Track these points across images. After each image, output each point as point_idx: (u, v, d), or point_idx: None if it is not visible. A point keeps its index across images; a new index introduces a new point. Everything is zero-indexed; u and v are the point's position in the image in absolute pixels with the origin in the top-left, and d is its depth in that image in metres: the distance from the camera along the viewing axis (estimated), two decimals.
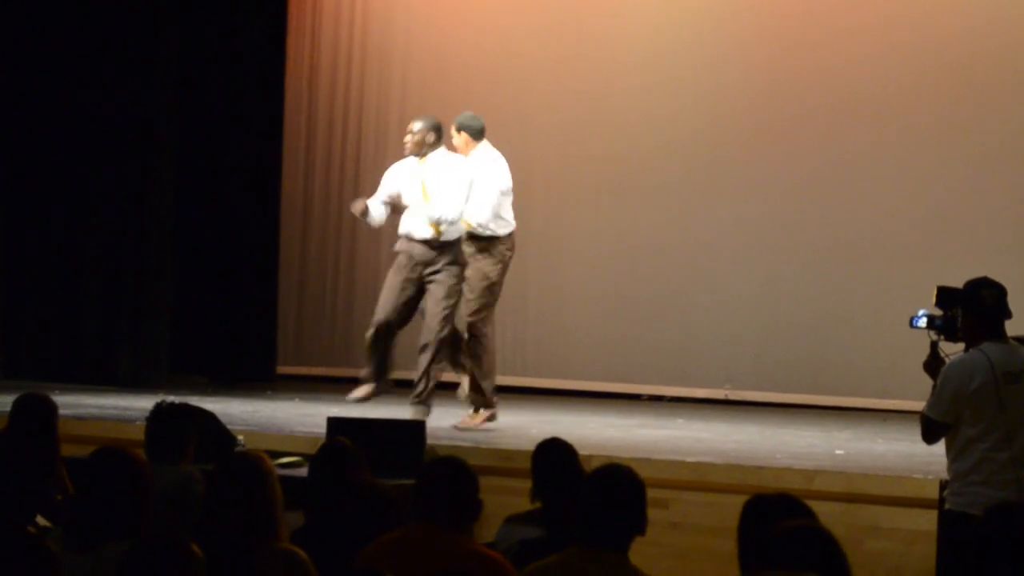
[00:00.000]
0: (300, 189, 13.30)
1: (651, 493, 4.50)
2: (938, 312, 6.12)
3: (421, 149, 9.10)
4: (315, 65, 13.26)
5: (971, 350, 5.90)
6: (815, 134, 11.66)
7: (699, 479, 7.73)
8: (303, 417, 9.73)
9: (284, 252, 13.18)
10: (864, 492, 7.41)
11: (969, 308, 5.93)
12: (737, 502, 4.38)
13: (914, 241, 11.27)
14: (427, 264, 9.09)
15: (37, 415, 6.59)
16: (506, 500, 6.44)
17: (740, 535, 4.12)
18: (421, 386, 9.13)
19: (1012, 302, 6.01)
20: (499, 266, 9.33)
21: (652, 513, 4.41)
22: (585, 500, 4.27)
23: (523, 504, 5.89)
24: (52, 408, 6.64)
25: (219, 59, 12.78)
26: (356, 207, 9.28)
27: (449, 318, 9.15)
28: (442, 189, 9.04)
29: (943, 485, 6.24)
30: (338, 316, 13.15)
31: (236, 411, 9.68)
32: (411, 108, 12.87)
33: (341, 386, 12.25)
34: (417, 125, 9.14)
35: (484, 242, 9.26)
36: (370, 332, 9.22)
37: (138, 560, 3.59)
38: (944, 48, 11.33)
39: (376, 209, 9.27)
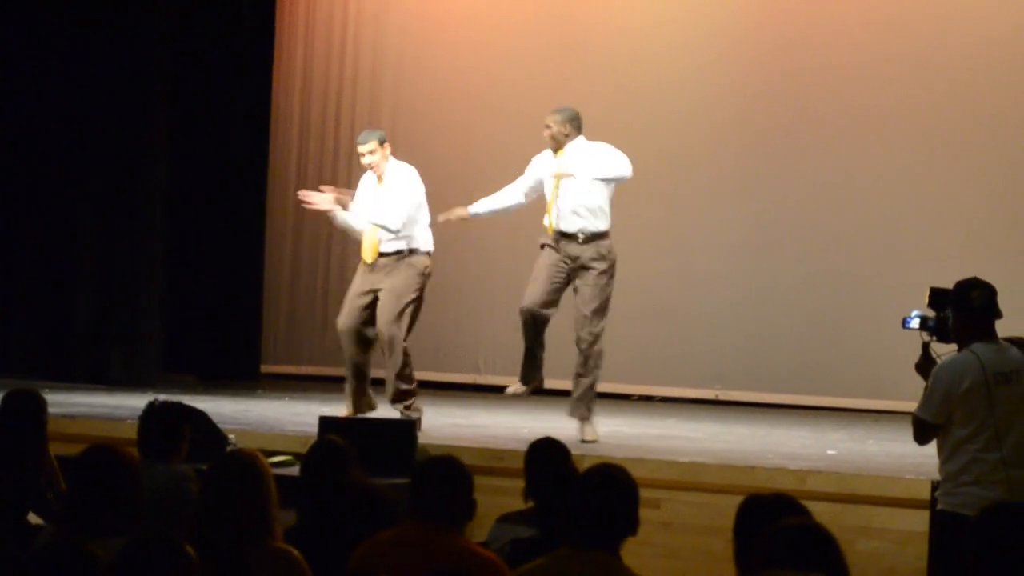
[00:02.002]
0: (289, 188, 13.29)
1: (643, 493, 4.49)
2: (931, 313, 6.13)
3: (560, 142, 8.92)
4: (306, 64, 13.26)
5: (962, 351, 5.91)
6: (805, 137, 11.67)
7: (691, 479, 7.73)
8: (294, 416, 9.73)
9: (271, 251, 13.19)
10: (856, 492, 7.41)
11: (959, 309, 5.94)
12: (729, 502, 4.38)
13: (906, 242, 11.28)
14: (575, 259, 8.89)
15: (27, 411, 6.57)
16: (498, 500, 6.44)
17: (737, 535, 4.12)
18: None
19: (1003, 303, 6.02)
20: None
21: (644, 513, 4.40)
22: (576, 500, 4.27)
23: (515, 504, 5.89)
24: (42, 404, 6.63)
25: (209, 58, 12.78)
26: (453, 214, 9.24)
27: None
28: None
29: (935, 486, 6.24)
30: (328, 315, 13.13)
31: (227, 410, 9.68)
32: (404, 108, 12.90)
33: (329, 385, 12.28)
34: (549, 118, 8.99)
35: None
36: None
37: (130, 559, 3.58)
38: (934, 53, 11.34)
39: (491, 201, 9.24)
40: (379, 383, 9.30)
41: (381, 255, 9.20)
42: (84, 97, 11.94)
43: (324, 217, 13.09)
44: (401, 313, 9.08)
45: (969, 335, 5.92)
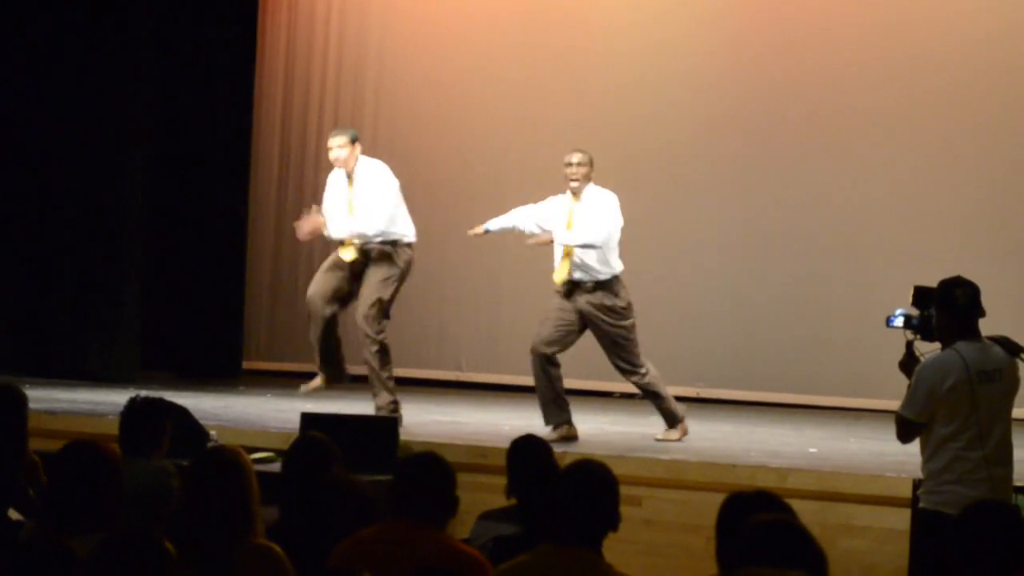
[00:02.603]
0: (271, 186, 13.28)
1: (625, 491, 4.49)
2: (915, 312, 6.13)
3: (583, 184, 8.83)
4: (289, 61, 13.24)
5: (945, 350, 5.91)
6: (788, 139, 11.69)
7: (672, 477, 7.74)
8: (275, 412, 9.71)
9: (253, 248, 13.16)
10: (837, 491, 7.43)
11: (943, 307, 5.94)
12: (710, 500, 4.38)
13: (889, 240, 11.30)
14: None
15: (7, 407, 6.52)
16: (481, 497, 6.43)
17: (719, 531, 4.12)
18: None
19: (987, 301, 6.02)
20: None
21: (625, 511, 4.40)
22: (557, 497, 4.26)
23: (498, 501, 5.89)
24: (22, 400, 6.59)
25: (191, 53, 12.76)
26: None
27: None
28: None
29: (916, 484, 6.25)
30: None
31: (208, 406, 9.65)
32: (386, 107, 12.88)
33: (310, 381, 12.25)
34: (576, 157, 8.85)
35: None
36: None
37: (107, 554, 3.57)
38: (924, 53, 11.36)
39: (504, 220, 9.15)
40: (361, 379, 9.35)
41: (359, 250, 9.20)
42: (63, 93, 11.90)
43: (305, 212, 13.13)
44: (379, 307, 9.09)
45: (953, 334, 5.92)
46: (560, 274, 8.79)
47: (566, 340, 8.79)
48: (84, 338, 11.91)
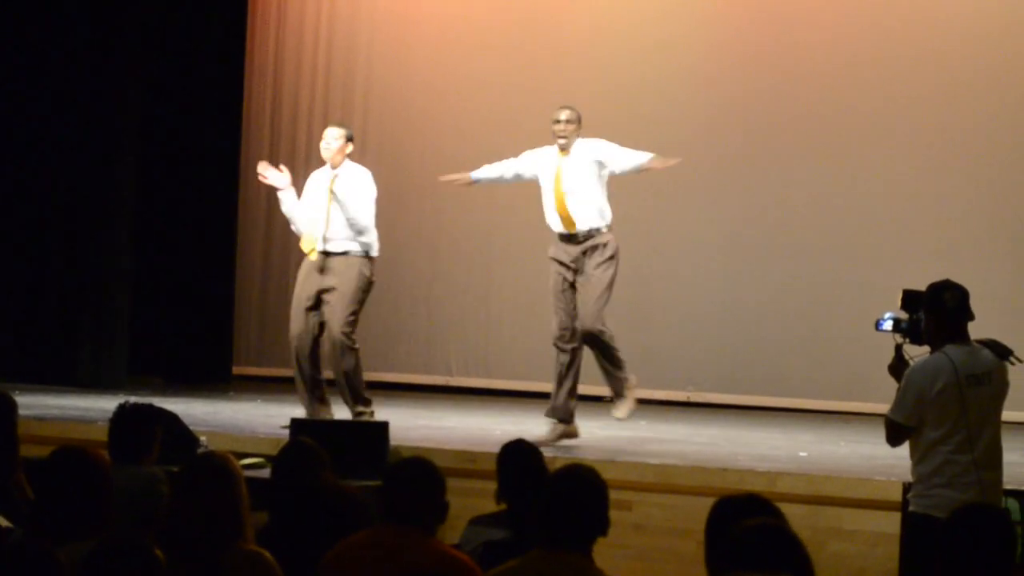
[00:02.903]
0: (260, 190, 13.24)
1: (614, 495, 4.49)
2: (904, 315, 6.13)
3: (573, 139, 8.81)
4: (278, 66, 13.24)
5: (934, 353, 5.92)
6: (778, 143, 11.70)
7: (662, 481, 7.74)
8: (265, 418, 9.71)
9: (243, 253, 13.15)
10: (827, 494, 7.43)
11: (931, 311, 5.95)
12: (700, 504, 4.38)
13: (878, 243, 11.31)
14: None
15: None
16: (471, 502, 6.42)
17: (708, 535, 4.12)
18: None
19: (975, 305, 6.03)
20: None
21: (616, 515, 4.40)
22: (547, 501, 4.26)
23: (488, 506, 5.88)
24: (12, 405, 6.58)
25: (180, 57, 12.75)
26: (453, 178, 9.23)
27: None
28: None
29: (907, 487, 6.25)
30: None
31: (198, 412, 9.65)
32: (375, 113, 12.88)
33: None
34: (565, 115, 8.80)
35: None
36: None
37: (97, 561, 3.56)
38: (919, 56, 11.38)
39: (486, 173, 9.15)
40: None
41: (329, 254, 9.19)
42: (52, 99, 11.89)
43: None
44: (351, 315, 9.11)
45: (942, 337, 5.93)
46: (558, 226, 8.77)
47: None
48: (74, 344, 11.89)
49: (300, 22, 13.21)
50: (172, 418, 7.84)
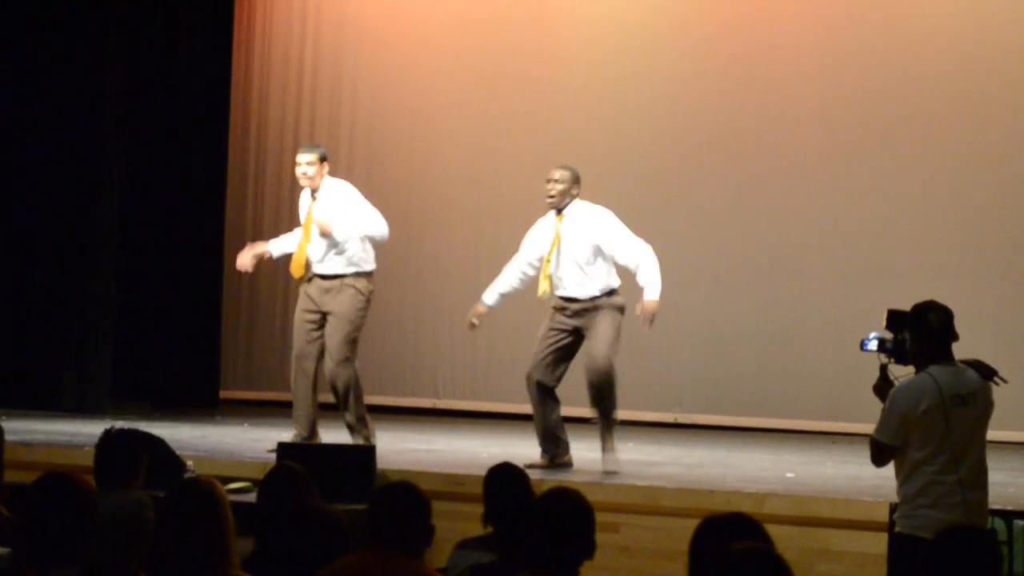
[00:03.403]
0: (246, 212, 13.27)
1: (602, 517, 4.49)
2: (888, 335, 6.15)
3: (562, 201, 8.62)
4: (263, 85, 13.25)
5: (919, 373, 5.93)
6: (763, 155, 11.72)
7: (649, 503, 7.73)
8: (252, 442, 9.69)
9: (229, 276, 13.14)
10: (814, 515, 7.43)
11: (916, 331, 5.96)
12: (688, 526, 4.37)
13: (864, 264, 11.33)
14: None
15: None
16: (458, 525, 6.42)
17: (691, 555, 4.11)
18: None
19: (960, 325, 6.04)
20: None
21: (603, 537, 4.40)
22: (533, 525, 4.26)
23: (475, 529, 5.87)
24: None
25: (164, 79, 12.73)
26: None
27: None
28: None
29: (893, 508, 6.26)
30: (288, 340, 13.07)
31: (184, 436, 9.64)
32: (361, 132, 12.89)
33: (289, 411, 12.23)
34: (556, 174, 8.62)
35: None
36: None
37: None
38: (900, 79, 11.42)
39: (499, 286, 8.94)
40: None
41: (324, 277, 9.16)
42: (34, 122, 11.86)
43: None
44: (350, 340, 9.06)
45: (926, 357, 5.94)
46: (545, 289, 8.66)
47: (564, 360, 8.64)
48: (60, 369, 11.86)
49: (285, 46, 13.22)
50: (158, 443, 7.82)
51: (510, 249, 12.33)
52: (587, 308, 8.58)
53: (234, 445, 9.57)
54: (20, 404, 11.41)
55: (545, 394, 8.65)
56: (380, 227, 9.17)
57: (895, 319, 6.09)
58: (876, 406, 6.13)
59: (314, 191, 9.23)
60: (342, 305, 9.09)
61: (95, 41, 11.98)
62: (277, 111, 13.21)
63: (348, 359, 9.05)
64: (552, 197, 8.59)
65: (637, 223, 11.79)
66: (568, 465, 8.67)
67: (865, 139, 11.47)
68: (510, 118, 12.41)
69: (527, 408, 12.05)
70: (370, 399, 11.72)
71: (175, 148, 12.74)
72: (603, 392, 8.55)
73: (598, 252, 8.56)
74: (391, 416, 11.41)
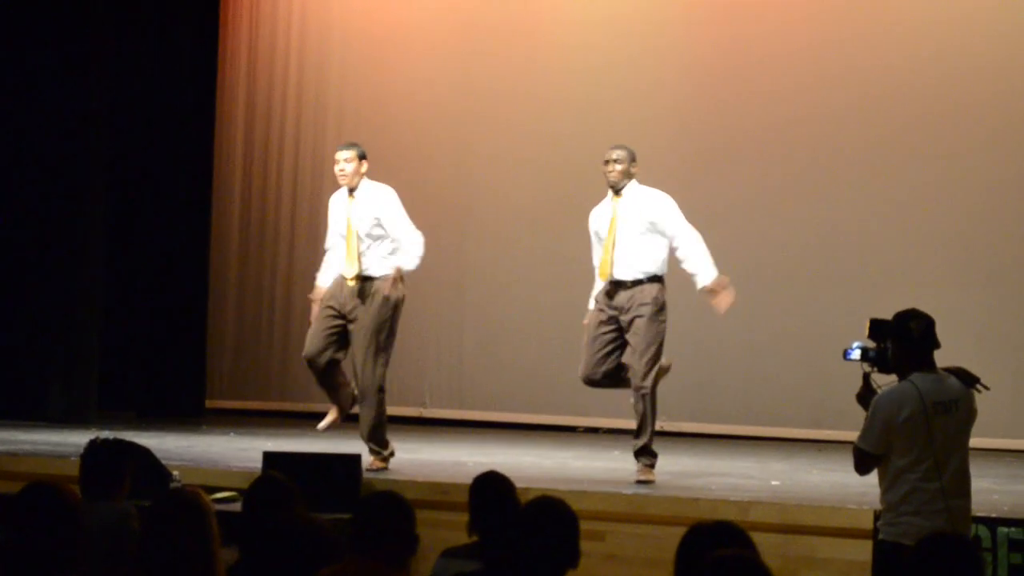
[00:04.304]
0: (233, 222, 13.27)
1: (587, 525, 4.50)
2: (871, 344, 6.17)
3: (621, 180, 8.56)
4: (249, 93, 13.27)
5: (901, 381, 5.96)
6: (746, 164, 11.75)
7: (635, 511, 7.75)
8: (238, 451, 9.70)
9: (215, 285, 13.16)
10: (799, 523, 7.44)
11: (898, 340, 5.98)
12: (673, 534, 4.39)
13: (848, 273, 11.36)
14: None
15: None
16: (443, 534, 6.43)
17: (678, 563, 4.13)
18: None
19: (944, 333, 6.06)
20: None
21: (588, 545, 4.41)
22: (517, 534, 4.27)
23: (460, 538, 5.89)
24: None
25: (150, 88, 12.75)
26: None
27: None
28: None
29: (877, 515, 6.28)
30: (273, 350, 13.12)
31: (171, 446, 9.65)
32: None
33: (275, 420, 12.25)
34: (614, 154, 8.52)
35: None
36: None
37: None
38: (888, 90, 11.45)
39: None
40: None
41: (364, 279, 8.86)
42: (21, 131, 11.87)
43: (268, 249, 13.14)
44: (376, 351, 8.79)
45: (908, 366, 5.96)
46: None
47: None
48: (45, 379, 11.86)
49: (271, 52, 13.24)
50: (144, 453, 7.84)
51: (496, 256, 12.41)
52: (630, 300, 8.51)
53: (220, 455, 9.57)
54: (7, 415, 11.42)
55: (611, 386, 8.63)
56: (414, 254, 8.93)
57: (877, 328, 6.11)
58: (861, 414, 6.15)
59: (352, 190, 8.96)
60: (368, 315, 8.78)
61: (80, 53, 11.98)
62: (263, 113, 13.22)
63: (371, 375, 8.88)
64: (613, 177, 8.53)
65: None
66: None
67: (848, 151, 11.51)
68: (501, 123, 12.43)
69: (514, 417, 12.15)
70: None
71: (162, 160, 12.75)
72: (643, 405, 8.57)
73: (652, 229, 8.53)
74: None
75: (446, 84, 12.64)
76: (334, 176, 12.53)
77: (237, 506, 6.94)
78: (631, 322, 8.53)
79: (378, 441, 8.85)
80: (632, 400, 8.60)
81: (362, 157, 9.00)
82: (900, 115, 11.38)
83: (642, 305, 8.53)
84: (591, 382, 8.73)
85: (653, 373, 8.55)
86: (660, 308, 8.58)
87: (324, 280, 9.02)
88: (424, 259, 12.05)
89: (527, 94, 12.36)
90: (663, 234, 8.56)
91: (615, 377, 8.68)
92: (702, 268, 8.60)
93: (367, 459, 8.64)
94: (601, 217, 8.66)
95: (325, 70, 13.09)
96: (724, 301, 8.62)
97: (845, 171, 11.51)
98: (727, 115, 11.81)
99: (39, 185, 11.91)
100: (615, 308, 8.58)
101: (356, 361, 8.80)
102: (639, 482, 8.41)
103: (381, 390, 8.83)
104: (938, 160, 11.29)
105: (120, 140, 12.37)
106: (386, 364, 8.87)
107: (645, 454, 8.58)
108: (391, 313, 8.84)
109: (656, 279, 8.60)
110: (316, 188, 12.76)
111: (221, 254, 13.23)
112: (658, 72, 12.05)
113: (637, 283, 8.55)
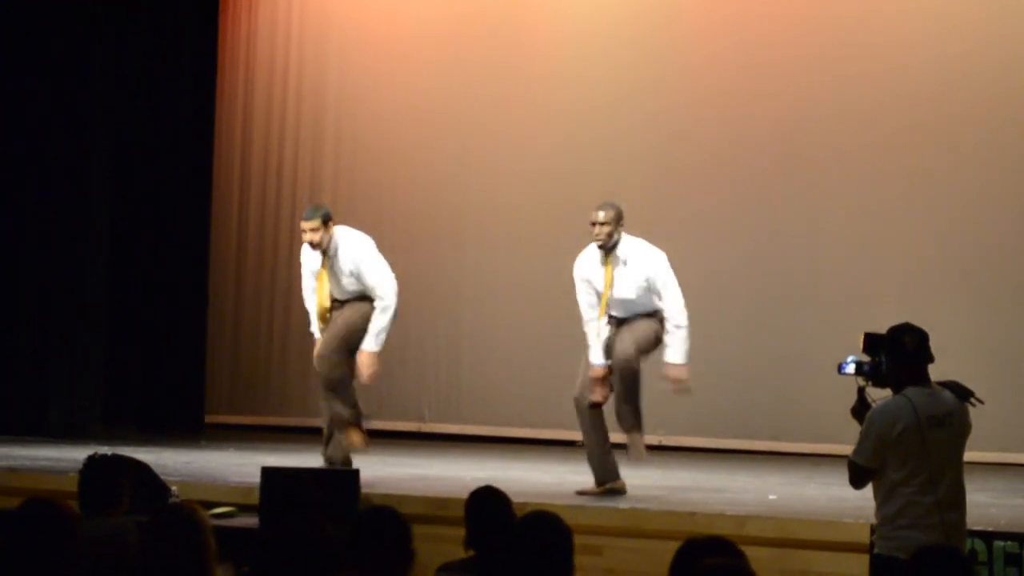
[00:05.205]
0: (231, 238, 13.29)
1: (585, 540, 4.54)
2: (866, 358, 6.19)
3: (610, 241, 8.54)
4: (247, 111, 13.29)
5: (895, 395, 5.98)
6: (737, 187, 11.76)
7: (632, 525, 7.76)
8: (237, 467, 9.71)
9: (215, 300, 13.19)
10: (795, 537, 7.46)
11: (892, 354, 6.00)
12: (670, 548, 4.41)
13: (843, 287, 11.38)
14: None
15: None
16: (440, 548, 6.44)
17: None
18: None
19: (938, 347, 6.08)
20: None
21: (586, 560, 4.45)
22: (512, 549, 4.30)
23: (457, 552, 5.90)
24: None
25: (149, 106, 12.78)
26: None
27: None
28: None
29: (873, 529, 6.29)
30: (273, 365, 13.13)
31: (169, 461, 9.66)
32: (345, 157, 12.94)
33: (274, 435, 12.26)
34: (601, 215, 8.51)
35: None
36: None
37: None
38: (872, 104, 11.47)
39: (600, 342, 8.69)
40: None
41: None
42: (20, 144, 11.89)
43: (267, 265, 13.16)
44: (348, 343, 9.04)
45: (902, 380, 5.98)
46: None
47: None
48: (46, 394, 11.88)
49: (269, 70, 13.27)
50: (143, 468, 7.85)
51: (494, 270, 12.42)
52: (627, 319, 8.59)
53: (218, 470, 9.59)
54: (7, 430, 11.44)
55: (597, 416, 8.61)
56: (387, 307, 9.05)
57: (872, 342, 6.13)
58: (858, 428, 6.16)
59: (325, 251, 9.04)
60: (351, 312, 9.06)
61: (79, 57, 12.00)
62: (261, 131, 13.24)
63: (340, 364, 9.12)
64: (601, 239, 8.53)
65: None
66: (621, 492, 8.60)
67: (840, 167, 11.53)
68: (500, 136, 12.45)
69: (512, 431, 12.15)
70: None
71: (162, 175, 12.79)
72: (627, 383, 8.53)
73: (651, 289, 8.57)
74: (377, 440, 11.40)
75: (443, 94, 12.65)
76: (332, 190, 12.57)
77: (236, 521, 6.98)
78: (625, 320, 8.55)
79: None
80: (614, 380, 8.51)
81: (327, 220, 9.02)
82: (886, 132, 11.40)
83: (640, 318, 8.58)
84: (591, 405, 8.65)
85: (639, 354, 8.51)
86: (660, 317, 8.59)
87: (314, 327, 9.22)
88: (422, 272, 12.11)
89: (528, 104, 12.38)
90: (659, 295, 8.59)
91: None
92: (675, 346, 8.60)
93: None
94: (592, 272, 8.63)
95: (323, 83, 13.11)
96: (677, 387, 8.61)
97: (834, 187, 11.53)
98: (720, 133, 11.83)
99: (39, 203, 11.95)
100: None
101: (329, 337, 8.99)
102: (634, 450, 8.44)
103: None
104: (929, 176, 11.31)
105: (120, 156, 12.40)
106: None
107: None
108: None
109: (655, 312, 8.62)
110: (314, 202, 12.80)
111: (220, 270, 13.25)
112: (649, 90, 12.08)
113: (636, 315, 8.64)
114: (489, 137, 12.49)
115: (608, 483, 8.62)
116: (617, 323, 8.69)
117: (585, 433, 8.69)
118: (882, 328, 6.18)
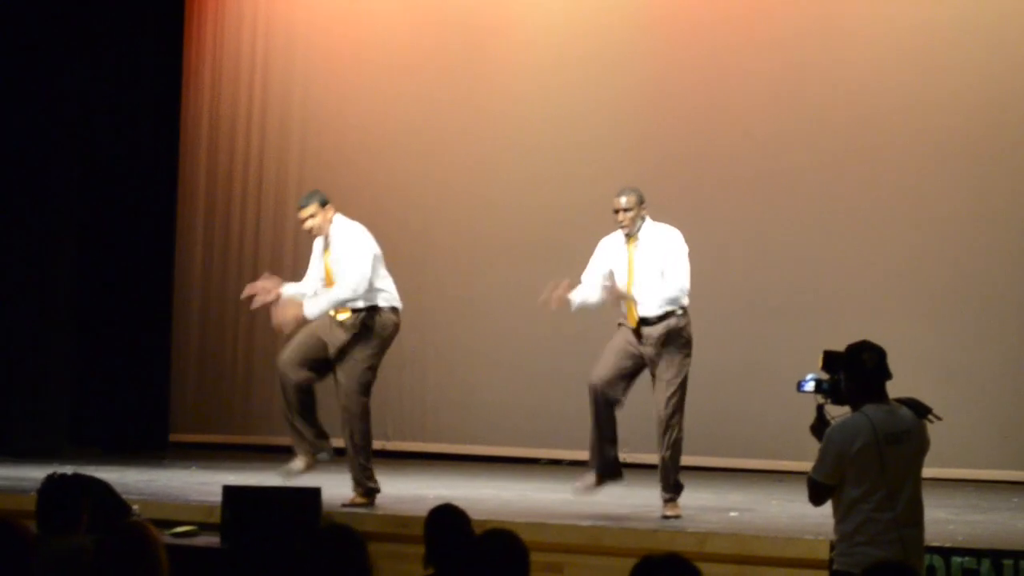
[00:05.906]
0: (196, 253, 13.27)
1: (546, 557, 4.55)
2: (825, 376, 6.22)
3: (634, 226, 8.54)
4: (213, 124, 13.29)
5: (853, 413, 6.01)
6: (700, 199, 11.79)
7: (593, 543, 7.78)
8: (199, 485, 9.70)
9: (179, 318, 13.16)
10: (755, 554, 7.49)
11: (851, 371, 6.04)
12: (631, 565, 4.43)
13: (804, 305, 11.43)
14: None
15: None
16: (401, 566, 6.46)
17: None
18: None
19: (897, 364, 6.12)
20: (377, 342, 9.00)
21: None
22: (468, 567, 4.31)
23: (417, 570, 5.90)
24: None
25: (113, 121, 12.76)
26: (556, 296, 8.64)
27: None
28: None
29: (832, 546, 6.32)
30: (236, 384, 13.11)
31: (131, 480, 9.65)
32: (310, 169, 12.92)
33: (238, 453, 12.25)
34: (623, 201, 8.50)
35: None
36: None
37: None
38: (846, 114, 11.52)
39: (583, 292, 8.68)
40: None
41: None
42: None
43: (233, 282, 13.13)
44: (362, 383, 8.94)
45: (861, 397, 6.02)
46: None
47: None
48: (9, 414, 11.85)
49: (235, 82, 13.27)
50: (103, 487, 7.81)
51: (459, 291, 12.43)
52: (658, 336, 8.53)
53: (180, 489, 9.57)
54: None
55: (608, 407, 8.64)
56: (345, 291, 8.87)
57: (830, 360, 6.17)
58: (818, 445, 6.20)
59: (327, 238, 8.98)
60: (354, 348, 8.92)
61: (45, 69, 11.99)
62: (226, 146, 13.24)
63: (357, 406, 9.06)
64: (625, 225, 8.52)
65: (578, 262, 11.95)
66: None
67: (805, 180, 11.58)
68: (467, 149, 12.46)
69: (476, 450, 12.15)
70: None
71: (126, 190, 12.78)
72: (671, 440, 8.62)
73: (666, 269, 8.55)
74: (340, 458, 11.41)
75: (413, 102, 12.66)
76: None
77: (198, 540, 6.97)
78: (659, 355, 8.52)
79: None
80: (658, 429, 8.62)
81: (324, 204, 8.95)
82: (858, 150, 11.46)
83: (670, 341, 8.54)
84: (602, 382, 8.65)
85: (680, 408, 8.62)
86: (687, 342, 8.60)
87: (290, 288, 9.00)
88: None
89: (497, 113, 12.39)
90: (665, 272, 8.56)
91: (618, 394, 8.69)
92: (648, 293, 8.55)
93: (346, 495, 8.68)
94: (616, 256, 8.63)
95: (288, 95, 13.11)
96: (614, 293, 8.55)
97: (800, 205, 11.58)
98: (695, 144, 11.88)
99: (4, 222, 11.91)
100: (644, 345, 8.59)
101: (341, 387, 8.89)
102: (665, 517, 8.40)
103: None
104: (892, 195, 11.37)
105: (84, 177, 12.38)
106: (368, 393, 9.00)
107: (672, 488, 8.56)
108: (379, 347, 8.93)
109: (681, 313, 8.59)
110: (279, 220, 12.79)
111: (184, 288, 13.23)
112: (621, 103, 12.11)
113: (664, 317, 8.55)
114: (459, 151, 12.50)
115: (607, 478, 8.66)
116: (644, 342, 8.54)
117: (593, 425, 8.72)
118: (842, 345, 6.22)
